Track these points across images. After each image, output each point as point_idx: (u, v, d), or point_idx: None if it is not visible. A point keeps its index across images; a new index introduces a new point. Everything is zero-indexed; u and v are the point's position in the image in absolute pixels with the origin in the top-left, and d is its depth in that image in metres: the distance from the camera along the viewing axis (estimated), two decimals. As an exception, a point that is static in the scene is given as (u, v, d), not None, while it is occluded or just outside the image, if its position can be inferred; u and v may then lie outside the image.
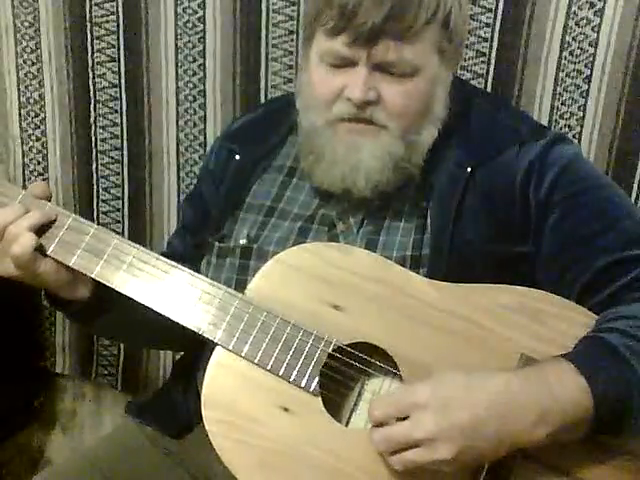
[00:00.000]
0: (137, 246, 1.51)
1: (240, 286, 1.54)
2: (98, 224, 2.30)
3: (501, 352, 1.42)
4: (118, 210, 2.44)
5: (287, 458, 1.41)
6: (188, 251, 1.82)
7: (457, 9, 1.54)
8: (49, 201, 1.55)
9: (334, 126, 1.56)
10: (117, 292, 1.51)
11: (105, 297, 1.57)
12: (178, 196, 2.37)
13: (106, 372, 2.60)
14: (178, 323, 1.48)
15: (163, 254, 1.53)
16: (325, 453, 1.40)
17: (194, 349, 1.78)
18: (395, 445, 1.33)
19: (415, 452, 1.32)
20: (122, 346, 2.56)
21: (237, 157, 1.75)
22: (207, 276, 1.54)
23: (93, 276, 1.50)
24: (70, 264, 1.50)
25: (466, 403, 1.31)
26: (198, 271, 1.55)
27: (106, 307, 1.61)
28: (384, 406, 1.36)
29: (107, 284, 1.50)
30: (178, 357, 2.02)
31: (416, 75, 1.52)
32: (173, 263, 1.50)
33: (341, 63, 1.52)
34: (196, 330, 1.46)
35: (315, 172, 1.62)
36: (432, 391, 1.33)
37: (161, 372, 2.53)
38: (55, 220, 1.51)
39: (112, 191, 2.43)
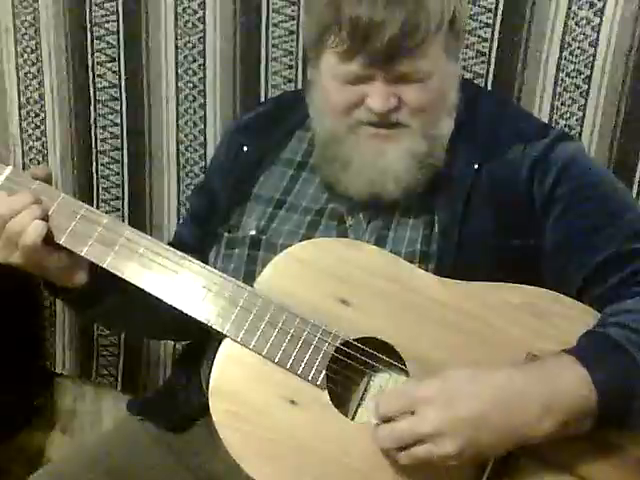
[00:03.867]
0: (148, 237, 1.51)
1: (248, 277, 1.55)
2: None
3: (508, 351, 1.42)
4: (118, 210, 2.44)
5: (292, 450, 1.41)
6: (195, 241, 1.82)
7: (459, 6, 1.55)
8: (50, 181, 1.56)
9: (356, 130, 1.56)
10: (115, 278, 1.51)
11: (103, 283, 1.57)
12: (178, 196, 2.37)
13: (106, 372, 2.60)
14: (186, 314, 1.48)
15: (170, 244, 1.53)
16: (331, 446, 1.41)
17: (194, 340, 1.79)
18: (401, 441, 1.33)
19: (422, 447, 1.32)
20: (122, 346, 2.57)
21: (245, 149, 1.76)
22: (216, 266, 1.54)
23: (105, 266, 1.49)
24: (82, 254, 1.50)
25: (472, 397, 1.32)
26: (205, 261, 1.55)
27: (104, 293, 1.61)
28: (390, 402, 1.36)
29: (118, 274, 1.49)
30: (179, 354, 2.02)
31: (430, 77, 1.52)
32: (184, 255, 1.50)
33: (358, 81, 1.52)
34: (205, 322, 1.46)
35: (341, 180, 1.61)
36: (437, 386, 1.34)
37: (161, 372, 2.53)
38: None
39: (112, 191, 2.43)
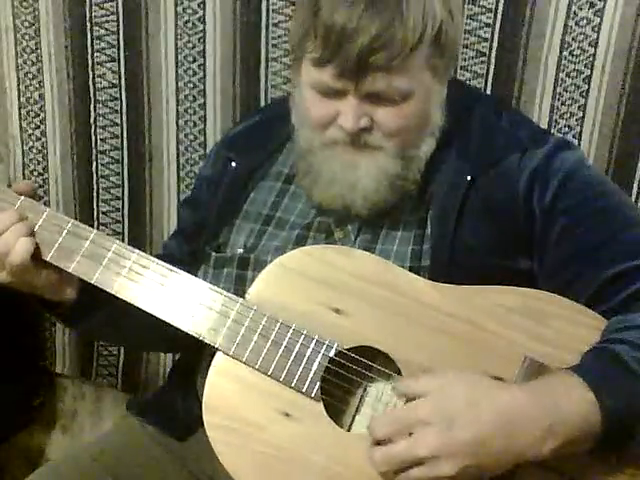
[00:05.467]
0: (136, 251, 1.50)
1: (238, 296, 1.51)
2: (98, 224, 2.33)
3: (505, 355, 1.41)
4: (118, 210, 2.43)
5: (288, 464, 1.41)
6: (184, 256, 1.81)
7: (448, 20, 1.48)
8: (35, 196, 1.56)
9: (330, 147, 1.55)
10: (106, 293, 1.50)
11: (93, 298, 1.57)
12: (178, 196, 2.37)
13: (106, 372, 2.59)
14: (178, 328, 1.48)
15: (159, 256, 1.52)
16: (327, 458, 1.40)
17: (190, 351, 1.77)
18: (398, 464, 1.31)
19: (419, 470, 1.29)
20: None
21: (233, 165, 1.74)
22: (205, 286, 1.53)
23: (93, 282, 1.49)
24: (69, 270, 1.50)
25: (471, 419, 1.29)
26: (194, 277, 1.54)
27: (95, 308, 1.61)
28: (386, 424, 1.34)
29: (107, 290, 1.49)
30: (176, 360, 2.02)
31: (409, 98, 1.49)
32: (173, 268, 1.50)
33: (331, 93, 1.50)
34: (196, 336, 1.46)
35: (313, 191, 1.60)
36: (435, 406, 1.31)
37: (161, 372, 2.52)
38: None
39: (112, 191, 2.42)
